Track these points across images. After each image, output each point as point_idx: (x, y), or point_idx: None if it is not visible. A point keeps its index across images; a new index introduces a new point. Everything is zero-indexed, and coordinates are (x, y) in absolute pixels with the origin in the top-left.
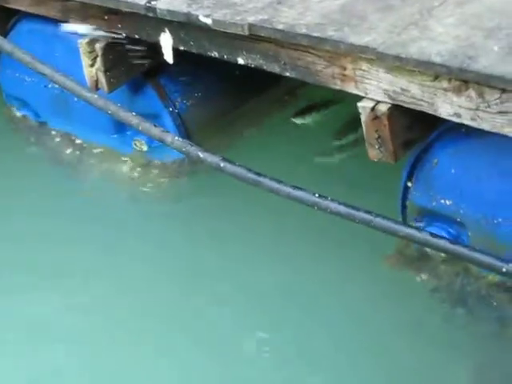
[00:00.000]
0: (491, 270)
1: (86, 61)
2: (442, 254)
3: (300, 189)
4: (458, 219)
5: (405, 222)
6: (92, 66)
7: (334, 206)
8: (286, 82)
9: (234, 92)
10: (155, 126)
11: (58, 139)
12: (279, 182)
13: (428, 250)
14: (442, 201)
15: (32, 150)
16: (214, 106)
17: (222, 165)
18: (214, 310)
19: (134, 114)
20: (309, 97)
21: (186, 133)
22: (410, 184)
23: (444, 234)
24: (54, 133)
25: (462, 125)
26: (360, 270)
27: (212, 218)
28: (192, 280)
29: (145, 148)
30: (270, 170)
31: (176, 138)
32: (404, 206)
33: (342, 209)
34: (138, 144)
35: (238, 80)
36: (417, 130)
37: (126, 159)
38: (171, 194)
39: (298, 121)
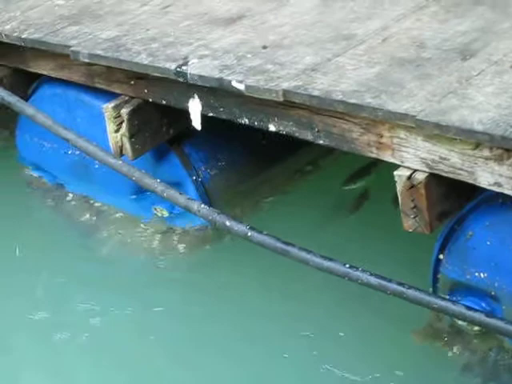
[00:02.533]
0: None
1: (111, 126)
2: (475, 328)
3: (330, 259)
4: (493, 293)
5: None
6: (117, 131)
7: (365, 276)
8: (306, 153)
9: (255, 161)
10: (180, 193)
11: (74, 202)
12: (309, 251)
13: (460, 323)
14: (476, 274)
15: (48, 213)
16: (236, 175)
17: (249, 234)
18: None
19: (158, 180)
20: (331, 167)
21: (208, 202)
22: (441, 256)
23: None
24: (70, 196)
25: (498, 196)
26: (390, 343)
27: (233, 290)
28: (201, 355)
29: (166, 214)
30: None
31: (202, 205)
32: (435, 279)
33: (373, 280)
34: (158, 210)
35: (259, 149)
36: (452, 200)
37: (145, 225)
38: (191, 263)
39: (349, 187)
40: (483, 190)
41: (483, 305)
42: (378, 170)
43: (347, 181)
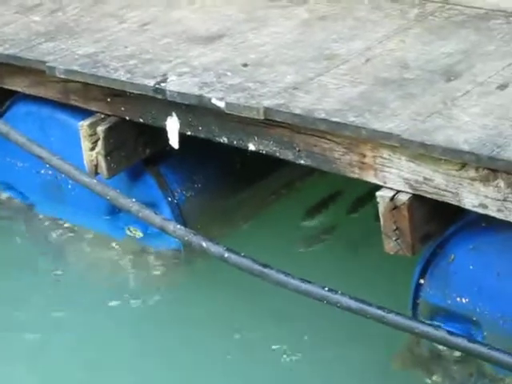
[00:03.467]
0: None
1: (86, 144)
2: (455, 354)
3: (309, 282)
4: (474, 318)
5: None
6: (92, 149)
7: (344, 300)
8: (281, 175)
9: (231, 183)
10: (156, 213)
11: (46, 222)
12: (287, 274)
13: (440, 348)
14: (458, 299)
15: (18, 233)
16: (211, 198)
17: (226, 255)
18: None
19: (133, 200)
20: (307, 190)
21: (183, 224)
22: (422, 281)
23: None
24: (41, 216)
25: (481, 219)
26: (366, 369)
27: (206, 313)
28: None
29: (139, 235)
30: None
31: (178, 226)
32: (415, 304)
33: (352, 303)
34: (132, 231)
35: (235, 171)
36: (436, 222)
37: (117, 245)
38: (164, 285)
39: (308, 224)
40: (467, 212)
41: (464, 330)
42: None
43: (305, 216)
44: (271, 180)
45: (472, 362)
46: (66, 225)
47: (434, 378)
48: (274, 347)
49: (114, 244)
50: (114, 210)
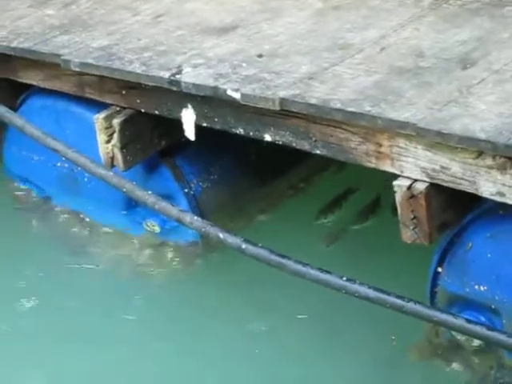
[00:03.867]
0: None
1: (101, 137)
2: (474, 344)
3: (327, 272)
4: (493, 306)
5: None
6: (108, 142)
7: (362, 289)
8: (299, 169)
9: (247, 175)
10: (173, 205)
11: (64, 216)
12: (305, 264)
13: (459, 338)
14: (476, 287)
15: (36, 228)
16: (228, 189)
17: (243, 246)
18: None
19: (150, 192)
20: (324, 185)
21: (200, 215)
22: (440, 269)
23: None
24: (58, 209)
25: (498, 207)
26: (386, 360)
27: (224, 305)
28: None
29: (157, 229)
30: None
31: (195, 217)
32: (433, 293)
33: (371, 293)
34: (149, 225)
35: (252, 163)
36: (453, 211)
37: (135, 240)
38: (183, 279)
39: (324, 219)
40: (484, 200)
41: (482, 319)
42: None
43: (319, 214)
44: (289, 173)
45: (492, 353)
46: (83, 218)
47: (453, 367)
48: (287, 340)
49: (132, 239)
50: (131, 204)
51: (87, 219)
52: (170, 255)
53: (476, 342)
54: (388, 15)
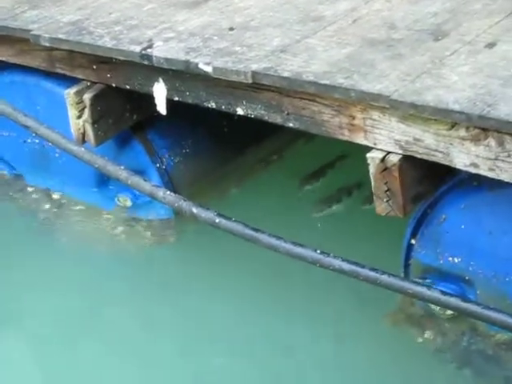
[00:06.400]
0: (505, 329)
1: (72, 112)
2: (447, 312)
3: (301, 245)
4: (467, 277)
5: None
6: (79, 117)
7: (337, 262)
8: (270, 142)
9: (220, 149)
10: (145, 180)
11: (34, 195)
12: (278, 238)
13: (433, 307)
14: (450, 258)
15: (7, 205)
16: (200, 163)
17: (217, 220)
18: None
19: (122, 167)
20: (296, 157)
21: (173, 190)
22: (413, 241)
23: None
24: (30, 188)
25: (472, 178)
26: (359, 328)
27: (197, 281)
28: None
29: (129, 204)
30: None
31: (168, 192)
32: (407, 264)
33: (345, 266)
34: (121, 200)
35: (223, 137)
36: (426, 182)
37: (108, 216)
38: (155, 254)
39: (307, 188)
40: (457, 172)
41: (456, 289)
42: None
43: (304, 180)
44: (260, 146)
45: (464, 319)
46: (55, 196)
47: (426, 335)
48: (263, 311)
49: (104, 214)
50: (103, 179)
51: (58, 196)
52: (142, 230)
53: (449, 311)
54: None
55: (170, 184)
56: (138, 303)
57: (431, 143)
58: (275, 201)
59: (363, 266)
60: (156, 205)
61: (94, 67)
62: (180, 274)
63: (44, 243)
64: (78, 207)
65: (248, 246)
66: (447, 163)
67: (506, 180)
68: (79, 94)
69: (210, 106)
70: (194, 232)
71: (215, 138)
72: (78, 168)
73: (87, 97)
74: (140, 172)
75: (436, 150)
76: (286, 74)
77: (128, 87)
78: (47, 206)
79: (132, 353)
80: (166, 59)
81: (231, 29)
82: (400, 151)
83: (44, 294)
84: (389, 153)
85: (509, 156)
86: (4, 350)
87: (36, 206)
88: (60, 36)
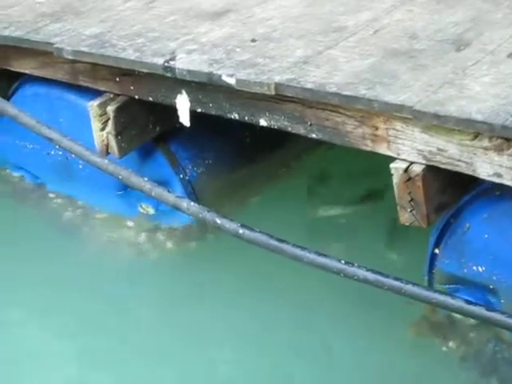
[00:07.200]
0: None
1: (96, 124)
2: (472, 320)
3: (325, 255)
4: (491, 286)
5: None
6: (102, 129)
7: (361, 272)
8: (292, 148)
9: (241, 158)
10: (169, 191)
11: (57, 202)
12: (303, 248)
13: (457, 315)
14: (474, 267)
15: (31, 213)
16: (223, 173)
17: (241, 231)
18: None
19: (145, 179)
20: (315, 163)
21: (196, 200)
22: (437, 251)
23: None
24: (52, 195)
25: (495, 188)
26: (383, 337)
27: (221, 287)
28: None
29: (151, 211)
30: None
31: (192, 203)
32: (431, 274)
33: (369, 276)
34: (144, 207)
35: (245, 146)
36: (450, 192)
37: (130, 223)
38: (178, 261)
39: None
40: (480, 181)
41: (481, 299)
42: None
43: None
44: (281, 153)
45: (489, 327)
46: (78, 203)
47: (451, 343)
48: (283, 322)
49: (127, 222)
50: (125, 188)
51: (81, 203)
52: (164, 238)
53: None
54: None
55: (193, 195)
56: (162, 309)
57: (454, 153)
58: (296, 209)
59: (387, 276)
60: (178, 212)
61: (117, 79)
62: (202, 281)
63: (67, 250)
64: (101, 215)
65: (270, 253)
66: (470, 173)
67: None
68: (102, 106)
69: (232, 117)
70: (216, 238)
71: (237, 148)
72: (101, 177)
73: (110, 109)
74: (163, 183)
75: (459, 160)
76: (308, 86)
77: (151, 99)
78: (70, 214)
79: (160, 357)
80: (189, 71)
81: (253, 40)
82: (423, 161)
83: (67, 300)
84: (412, 163)
85: None
86: (29, 347)
87: (59, 214)
88: (83, 49)
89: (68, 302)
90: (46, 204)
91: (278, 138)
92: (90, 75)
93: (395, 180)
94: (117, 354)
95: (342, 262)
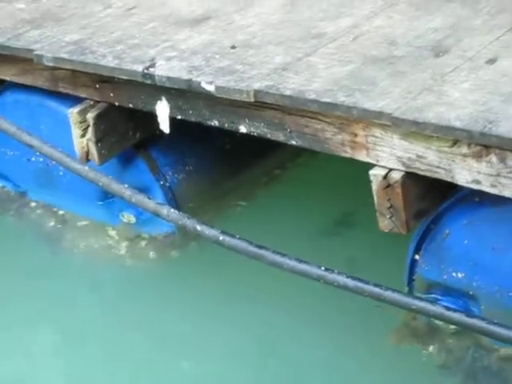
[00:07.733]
0: (510, 344)
1: (76, 131)
2: (452, 326)
3: (305, 262)
4: (471, 292)
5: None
6: (83, 136)
7: (341, 279)
8: (274, 156)
9: (223, 165)
10: (149, 198)
11: (39, 210)
12: (283, 255)
13: (437, 322)
14: (454, 274)
15: (12, 222)
16: (204, 180)
17: (221, 238)
18: None
19: (126, 186)
20: (299, 170)
21: (176, 207)
22: (417, 257)
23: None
24: (34, 204)
25: (474, 194)
26: (363, 344)
27: (200, 296)
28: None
29: (133, 220)
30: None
31: (172, 210)
32: (411, 280)
33: (349, 282)
34: (125, 216)
35: (226, 153)
36: (429, 199)
37: (112, 232)
38: (160, 270)
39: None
40: (459, 188)
41: (461, 305)
42: None
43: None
44: (263, 162)
45: (469, 334)
46: (60, 212)
47: (431, 350)
48: (265, 330)
49: (109, 231)
50: (107, 196)
51: (62, 212)
52: (146, 246)
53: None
54: (360, 3)
55: (173, 201)
56: (141, 318)
57: (433, 160)
58: (279, 216)
59: (367, 283)
60: (160, 220)
61: (97, 86)
62: (183, 290)
63: (48, 259)
64: (82, 223)
65: (252, 261)
66: (449, 180)
67: (507, 196)
68: (82, 113)
69: (212, 124)
70: (198, 246)
71: (218, 155)
72: (83, 185)
73: (90, 116)
74: (144, 190)
75: (438, 167)
76: (288, 93)
77: (131, 106)
78: (51, 223)
79: (142, 369)
80: (169, 78)
81: (233, 47)
82: (402, 168)
83: (48, 311)
84: (391, 170)
85: (511, 172)
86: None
87: (40, 222)
88: (63, 55)
89: (49, 313)
90: (27, 213)
91: (261, 146)
92: (70, 82)
93: (374, 187)
94: (99, 366)
95: (322, 268)
